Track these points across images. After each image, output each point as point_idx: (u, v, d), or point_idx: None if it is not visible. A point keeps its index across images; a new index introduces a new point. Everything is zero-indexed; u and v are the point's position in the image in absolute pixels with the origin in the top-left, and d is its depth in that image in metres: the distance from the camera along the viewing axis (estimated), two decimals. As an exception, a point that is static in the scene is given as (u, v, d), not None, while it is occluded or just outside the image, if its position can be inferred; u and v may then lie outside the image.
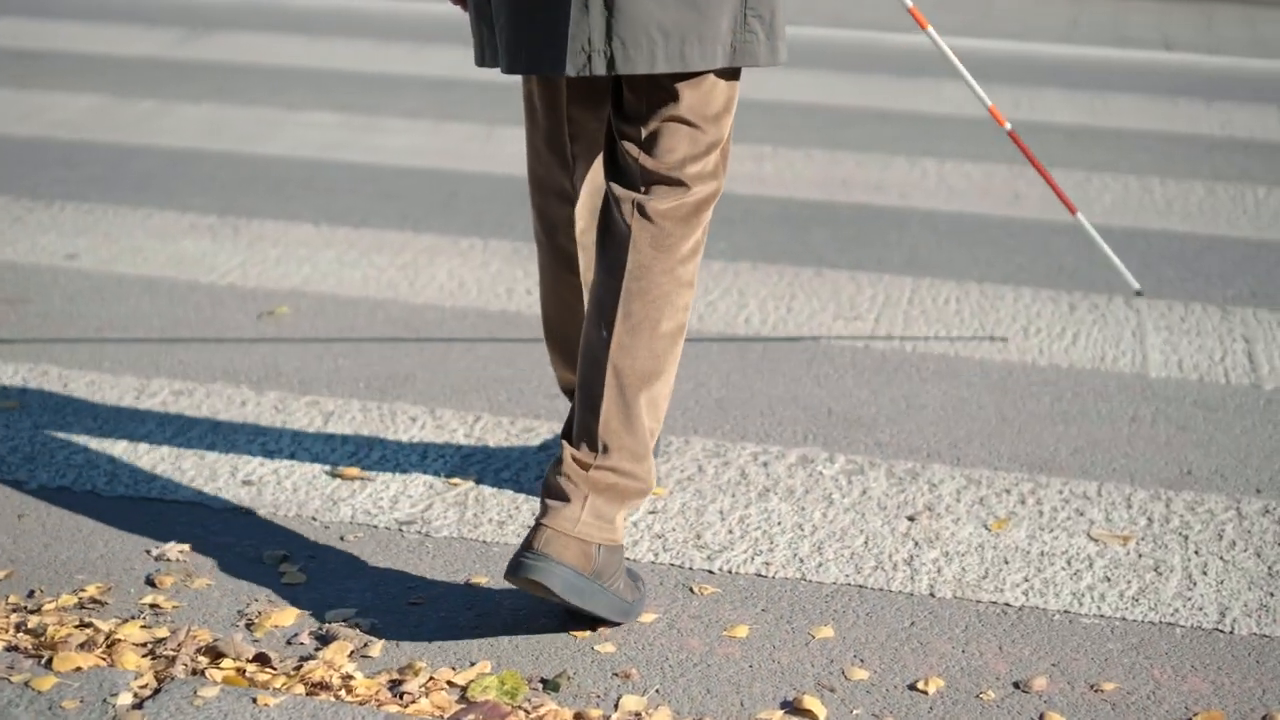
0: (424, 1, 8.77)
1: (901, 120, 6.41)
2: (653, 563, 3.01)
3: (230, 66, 7.16)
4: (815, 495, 3.27)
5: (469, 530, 3.12)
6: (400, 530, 3.12)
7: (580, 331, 2.97)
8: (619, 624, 2.79)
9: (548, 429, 3.55)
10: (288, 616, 2.80)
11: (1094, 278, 4.61)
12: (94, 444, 3.44)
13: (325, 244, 4.80)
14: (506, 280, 4.52)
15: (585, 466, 2.77)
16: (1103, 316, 4.31)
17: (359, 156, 5.76)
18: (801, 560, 3.02)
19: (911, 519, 3.18)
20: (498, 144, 5.94)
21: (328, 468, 3.36)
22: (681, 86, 2.79)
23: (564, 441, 2.81)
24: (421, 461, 3.40)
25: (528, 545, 2.71)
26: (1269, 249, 4.91)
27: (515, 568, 2.70)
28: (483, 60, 2.92)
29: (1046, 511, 3.23)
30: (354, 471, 3.34)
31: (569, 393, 3.20)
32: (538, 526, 2.73)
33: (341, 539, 3.09)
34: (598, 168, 3.04)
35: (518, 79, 6.36)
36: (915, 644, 2.76)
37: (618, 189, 2.83)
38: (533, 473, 3.34)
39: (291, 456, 3.41)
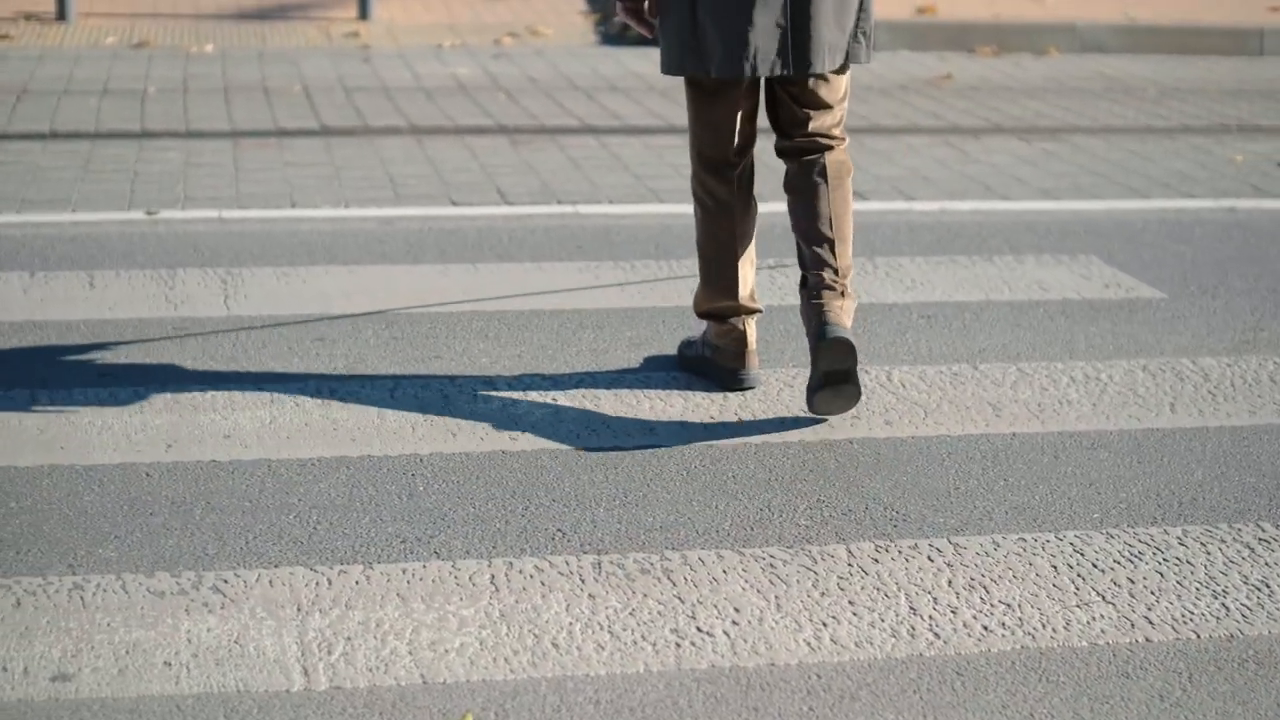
0: None
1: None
2: None
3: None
4: None
5: None
6: None
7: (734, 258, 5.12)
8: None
9: None
10: None
11: (1137, 507, 4.56)
12: None
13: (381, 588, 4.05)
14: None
15: (835, 283, 4.92)
16: (1210, 555, 4.27)
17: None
18: None
19: None
20: None
21: None
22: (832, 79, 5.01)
23: (811, 279, 4.93)
24: None
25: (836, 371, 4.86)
26: (1229, 436, 5.04)
27: (830, 400, 4.90)
28: (681, 69, 4.89)
29: None
30: None
31: (715, 315, 5.17)
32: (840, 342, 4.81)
33: None
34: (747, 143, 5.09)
35: None
36: None
37: (800, 143, 5.04)
38: None
39: None
